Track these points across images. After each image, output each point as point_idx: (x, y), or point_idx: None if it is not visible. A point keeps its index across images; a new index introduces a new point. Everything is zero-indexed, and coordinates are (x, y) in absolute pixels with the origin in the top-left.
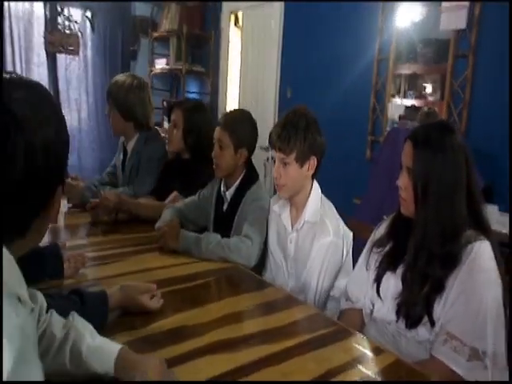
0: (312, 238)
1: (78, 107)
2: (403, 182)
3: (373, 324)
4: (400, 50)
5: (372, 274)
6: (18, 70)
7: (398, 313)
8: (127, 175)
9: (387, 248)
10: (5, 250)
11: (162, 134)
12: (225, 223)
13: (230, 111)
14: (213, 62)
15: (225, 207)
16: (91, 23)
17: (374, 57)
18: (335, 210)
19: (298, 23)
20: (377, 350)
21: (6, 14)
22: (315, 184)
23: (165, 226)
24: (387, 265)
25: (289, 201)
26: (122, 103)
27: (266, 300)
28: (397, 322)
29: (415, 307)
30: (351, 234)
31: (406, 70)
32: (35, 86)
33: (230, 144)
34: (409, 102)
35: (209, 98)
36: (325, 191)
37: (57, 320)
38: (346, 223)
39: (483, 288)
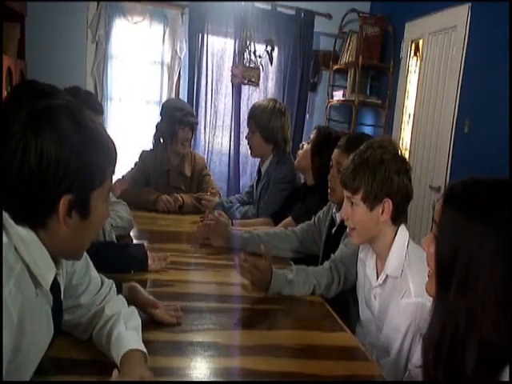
0: (393, 296)
1: None
2: None
3: None
4: None
5: None
6: (209, 99)
7: None
8: (258, 195)
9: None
10: (32, 233)
11: None
12: (332, 247)
13: (352, 134)
14: (389, 94)
15: (333, 230)
16: (269, 57)
17: None
18: None
19: (484, 47)
20: None
21: (204, 51)
22: (401, 231)
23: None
24: None
25: (372, 249)
26: (265, 125)
27: (328, 344)
28: None
29: None
30: None
31: None
32: (61, 103)
33: None
34: None
35: (382, 130)
36: None
37: (117, 302)
38: None
39: None
